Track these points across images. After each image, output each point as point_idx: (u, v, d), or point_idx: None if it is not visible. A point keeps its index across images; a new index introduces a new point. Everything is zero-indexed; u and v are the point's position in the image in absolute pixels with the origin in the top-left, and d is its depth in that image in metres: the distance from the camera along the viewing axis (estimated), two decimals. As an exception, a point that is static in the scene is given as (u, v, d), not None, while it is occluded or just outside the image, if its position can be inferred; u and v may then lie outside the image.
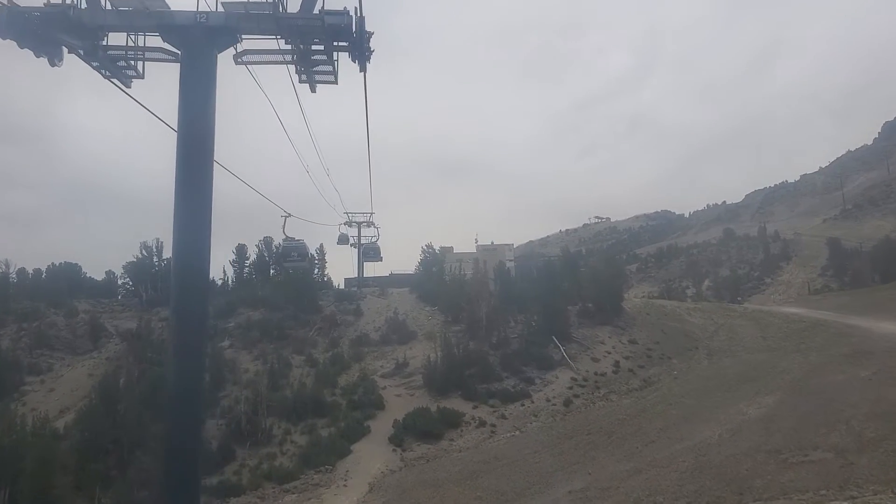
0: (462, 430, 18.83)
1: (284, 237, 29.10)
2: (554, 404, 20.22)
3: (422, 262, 34.90)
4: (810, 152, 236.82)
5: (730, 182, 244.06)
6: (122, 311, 31.53)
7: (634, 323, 26.95)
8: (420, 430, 18.58)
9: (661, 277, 68.70)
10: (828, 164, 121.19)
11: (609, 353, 23.76)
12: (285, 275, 33.83)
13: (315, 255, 38.38)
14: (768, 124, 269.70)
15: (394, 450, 17.96)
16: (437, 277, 32.43)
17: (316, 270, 35.89)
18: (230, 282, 37.36)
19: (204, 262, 5.35)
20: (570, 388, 21.21)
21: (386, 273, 46.96)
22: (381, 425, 19.48)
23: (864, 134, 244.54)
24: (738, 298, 39.07)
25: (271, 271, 36.62)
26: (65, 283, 32.78)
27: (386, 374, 23.16)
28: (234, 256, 37.92)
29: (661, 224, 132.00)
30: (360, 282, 38.30)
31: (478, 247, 48.29)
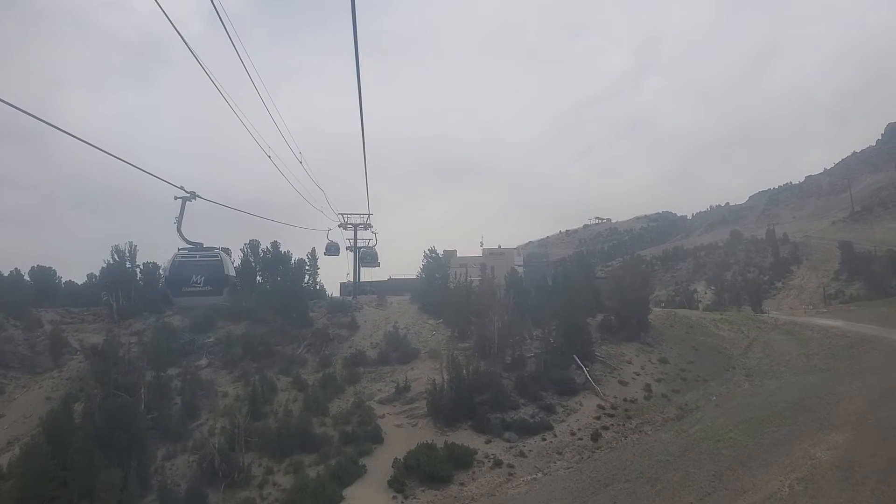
0: (474, 472, 16.00)
1: (179, 250, 19.86)
2: (580, 438, 17.42)
3: (424, 268, 31.78)
4: (811, 154, 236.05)
5: (730, 184, 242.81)
6: (92, 321, 28.41)
7: (662, 338, 24.17)
8: (425, 471, 15.73)
9: (668, 280, 66.38)
10: (833, 165, 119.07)
11: (638, 374, 20.98)
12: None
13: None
14: (768, 126, 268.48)
15: (394, 496, 15.11)
16: (442, 285, 29.43)
17: (307, 278, 32.51)
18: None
19: None
20: (598, 417, 18.43)
21: (384, 278, 44.10)
22: (379, 464, 16.62)
23: (864, 136, 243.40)
24: (766, 309, 36.27)
25: (258, 278, 32.27)
26: (30, 289, 29.45)
27: (384, 400, 20.18)
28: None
29: (663, 225, 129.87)
30: (355, 289, 35.23)
31: (484, 251, 45.30)
